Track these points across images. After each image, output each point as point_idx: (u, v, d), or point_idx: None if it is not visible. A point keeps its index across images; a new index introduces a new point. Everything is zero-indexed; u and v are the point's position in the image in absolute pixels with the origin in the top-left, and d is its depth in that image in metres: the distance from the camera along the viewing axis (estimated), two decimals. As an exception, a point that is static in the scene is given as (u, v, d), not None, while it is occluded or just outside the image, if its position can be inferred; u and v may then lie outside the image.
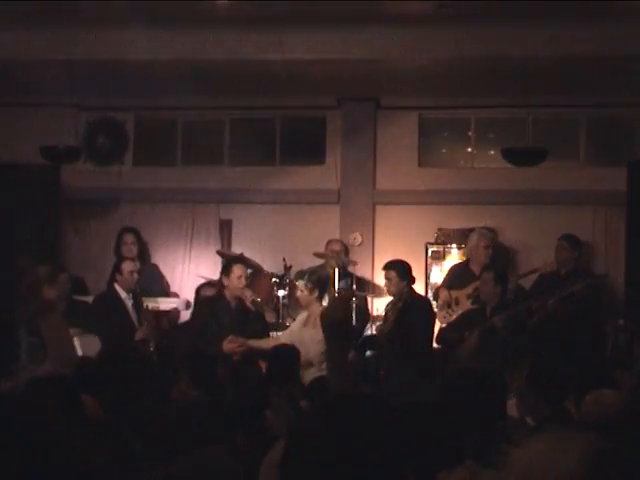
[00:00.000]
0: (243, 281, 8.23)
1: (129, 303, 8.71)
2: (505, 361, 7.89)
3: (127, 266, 8.88)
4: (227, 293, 8.25)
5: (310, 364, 7.56)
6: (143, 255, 10.37)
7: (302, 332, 7.84)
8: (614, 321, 9.33)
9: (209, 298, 8.83)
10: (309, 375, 7.52)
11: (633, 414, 3.88)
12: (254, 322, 8.26)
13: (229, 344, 7.90)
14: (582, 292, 8.90)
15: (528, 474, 1.95)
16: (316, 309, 7.79)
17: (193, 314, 8.93)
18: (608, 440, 1.96)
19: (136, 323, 8.61)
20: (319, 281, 8.11)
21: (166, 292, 10.23)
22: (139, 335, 8.39)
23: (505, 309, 8.46)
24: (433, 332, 8.54)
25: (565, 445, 1.93)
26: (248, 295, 8.45)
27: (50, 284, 8.10)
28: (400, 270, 8.32)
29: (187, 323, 9.08)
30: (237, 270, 8.24)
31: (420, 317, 8.24)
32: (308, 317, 7.94)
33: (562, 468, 1.88)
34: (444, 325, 8.92)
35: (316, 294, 7.97)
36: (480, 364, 7.77)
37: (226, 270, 8.34)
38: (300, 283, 8.06)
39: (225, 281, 8.28)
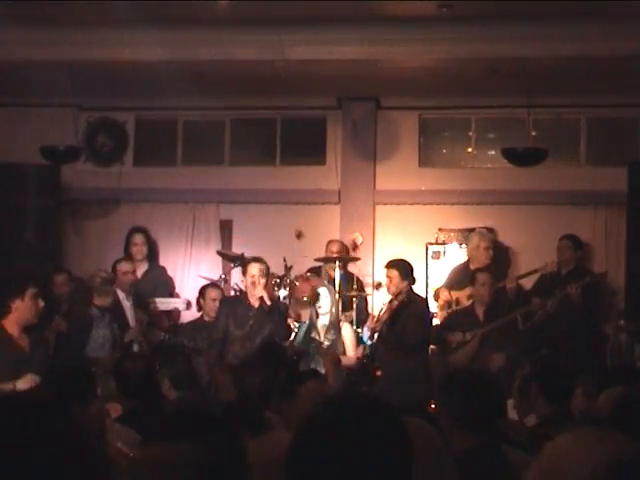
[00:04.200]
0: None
1: (127, 304, 8.68)
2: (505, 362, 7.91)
3: (122, 267, 8.83)
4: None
5: None
6: (152, 255, 10.36)
7: None
8: (614, 321, 9.33)
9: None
10: None
11: None
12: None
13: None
14: (580, 292, 8.90)
15: (553, 467, 1.91)
16: None
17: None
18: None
19: (132, 324, 8.57)
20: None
21: (171, 295, 10.20)
22: (129, 336, 8.33)
23: (501, 309, 8.45)
24: (429, 333, 8.45)
25: (595, 444, 1.89)
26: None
27: (99, 294, 8.22)
28: (402, 269, 8.20)
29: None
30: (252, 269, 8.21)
31: (414, 317, 8.08)
32: None
33: (588, 467, 1.84)
34: (437, 325, 8.86)
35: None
36: (480, 365, 7.80)
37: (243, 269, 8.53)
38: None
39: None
